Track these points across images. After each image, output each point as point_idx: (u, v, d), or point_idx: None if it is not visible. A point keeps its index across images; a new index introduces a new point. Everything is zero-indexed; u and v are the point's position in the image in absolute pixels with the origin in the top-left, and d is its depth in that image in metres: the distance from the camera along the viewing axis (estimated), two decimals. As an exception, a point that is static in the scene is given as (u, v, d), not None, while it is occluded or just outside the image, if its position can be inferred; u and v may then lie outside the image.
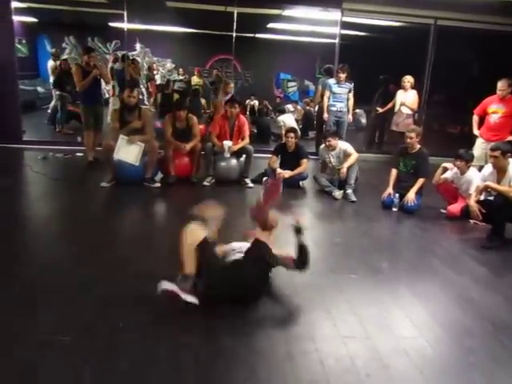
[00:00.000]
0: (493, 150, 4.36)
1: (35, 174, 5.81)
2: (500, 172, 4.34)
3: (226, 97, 7.01)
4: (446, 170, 5.06)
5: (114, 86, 8.51)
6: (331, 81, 7.09)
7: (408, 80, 7.26)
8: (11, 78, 7.34)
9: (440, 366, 2.38)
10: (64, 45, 12.37)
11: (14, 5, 7.20)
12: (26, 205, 4.83)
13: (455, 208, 4.91)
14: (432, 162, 5.26)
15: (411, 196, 4.98)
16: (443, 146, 9.06)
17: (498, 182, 4.28)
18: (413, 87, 7.33)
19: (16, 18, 7.45)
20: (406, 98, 7.29)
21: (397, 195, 5.09)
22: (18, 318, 2.54)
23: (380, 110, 8.07)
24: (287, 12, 8.73)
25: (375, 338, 2.56)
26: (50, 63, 9.78)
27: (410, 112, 7.34)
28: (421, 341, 2.57)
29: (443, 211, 5.07)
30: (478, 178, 4.68)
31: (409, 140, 5.11)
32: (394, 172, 5.28)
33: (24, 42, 11.35)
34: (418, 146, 5.17)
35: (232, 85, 7.60)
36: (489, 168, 4.53)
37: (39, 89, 11.09)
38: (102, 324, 2.53)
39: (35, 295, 2.83)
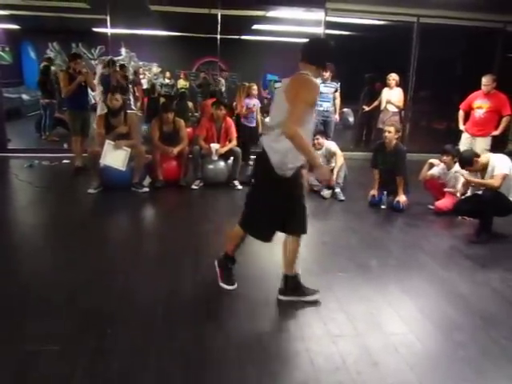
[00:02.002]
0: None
1: (21, 182, 5.75)
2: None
3: (250, 100, 6.86)
4: (432, 166, 5.09)
5: (101, 92, 8.46)
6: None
7: (393, 78, 7.30)
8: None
9: (430, 362, 2.39)
10: (48, 51, 12.26)
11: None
12: (11, 213, 4.77)
13: (443, 203, 4.94)
14: (418, 159, 5.31)
15: (403, 199, 4.99)
16: (430, 141, 9.16)
17: (482, 177, 4.31)
18: (398, 85, 7.37)
19: (-2, 26, 7.39)
20: (392, 96, 7.33)
21: (385, 193, 5.12)
22: (5, 328, 2.51)
23: (366, 108, 8.12)
24: (271, 13, 8.73)
25: (365, 336, 2.57)
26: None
27: (395, 110, 7.38)
28: (410, 337, 2.58)
29: (431, 207, 5.11)
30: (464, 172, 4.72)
31: (387, 134, 5.05)
32: (375, 173, 5.27)
33: (7, 49, 11.24)
34: (395, 142, 5.14)
35: (255, 87, 7.10)
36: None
37: (24, 96, 10.98)
38: (90, 332, 2.50)
39: (21, 305, 2.79)
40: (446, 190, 5.01)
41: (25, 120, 10.09)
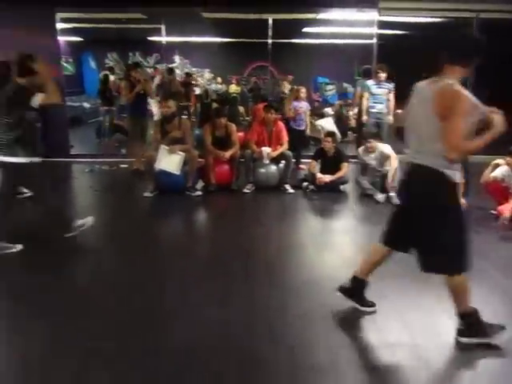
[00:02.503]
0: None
1: (81, 185, 6.04)
2: None
3: (298, 103, 6.88)
4: (497, 166, 4.82)
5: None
6: (370, 82, 6.96)
7: None
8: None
9: (490, 374, 2.26)
10: (107, 61, 12.83)
11: (60, 26, 7.56)
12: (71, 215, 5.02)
13: (506, 208, 4.67)
14: (480, 161, 5.04)
15: (463, 202, 4.74)
16: (493, 142, 8.68)
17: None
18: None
19: (62, 38, 7.82)
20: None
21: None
22: (68, 326, 2.64)
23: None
24: (322, 15, 8.66)
25: (423, 346, 2.46)
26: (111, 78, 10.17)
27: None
28: (472, 349, 2.45)
29: (493, 212, 4.84)
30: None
31: None
32: None
33: (70, 60, 11.87)
34: None
35: (304, 90, 7.12)
36: None
37: (85, 104, 11.55)
38: (144, 331, 2.58)
39: (79, 305, 2.92)
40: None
41: (86, 127, 10.60)
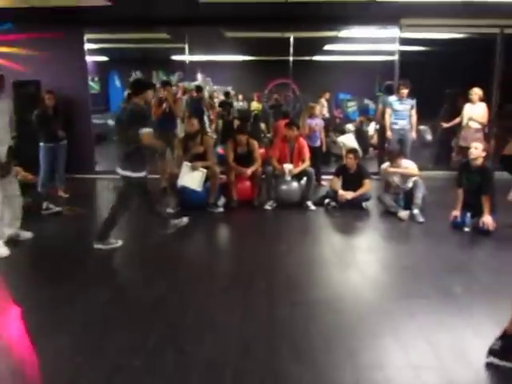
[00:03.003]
0: None
1: (105, 202, 6.13)
2: None
3: (312, 120, 6.89)
4: None
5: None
6: (392, 98, 6.94)
7: (476, 92, 6.90)
8: (85, 114, 7.90)
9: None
10: (131, 79, 13.13)
11: (87, 46, 7.80)
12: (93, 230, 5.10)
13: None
14: (507, 178, 4.95)
15: (489, 220, 4.64)
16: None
17: None
18: (481, 100, 6.97)
19: (89, 58, 8.06)
20: (474, 112, 6.94)
21: (468, 214, 4.81)
22: (92, 341, 2.66)
23: (445, 125, 7.76)
24: (344, 33, 8.71)
25: (450, 368, 2.39)
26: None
27: (478, 126, 6.97)
28: (501, 370, 2.37)
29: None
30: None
31: (473, 151, 4.78)
32: (459, 192, 4.96)
33: (96, 79, 12.19)
34: (481, 160, 4.83)
35: (318, 107, 7.18)
36: None
37: (109, 121, 11.81)
38: (169, 346, 2.58)
39: (103, 319, 2.95)
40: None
41: (110, 143, 10.82)
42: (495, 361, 2.38)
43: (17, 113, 4.68)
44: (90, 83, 9.38)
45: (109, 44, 10.68)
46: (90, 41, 7.94)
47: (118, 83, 13.28)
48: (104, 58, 12.33)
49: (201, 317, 2.96)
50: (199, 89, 9.59)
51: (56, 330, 2.79)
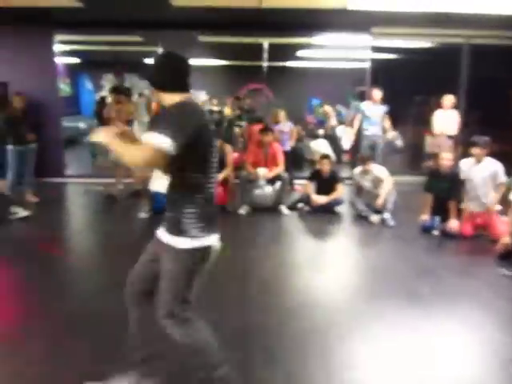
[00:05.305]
0: None
1: (75, 206, 6.02)
2: None
3: (277, 126, 6.94)
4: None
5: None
6: (364, 104, 7.06)
7: (449, 99, 7.00)
8: (55, 117, 7.73)
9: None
10: (102, 82, 12.93)
11: (58, 48, 7.65)
12: (67, 236, 4.99)
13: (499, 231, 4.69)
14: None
15: (455, 224, 4.79)
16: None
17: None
18: (453, 107, 7.09)
19: (60, 60, 7.90)
20: (446, 119, 7.09)
21: (437, 218, 4.94)
22: (61, 349, 2.60)
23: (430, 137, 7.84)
24: (317, 40, 8.83)
25: (418, 367, 2.45)
26: None
27: (451, 133, 7.11)
28: (466, 370, 2.44)
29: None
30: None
31: (444, 159, 4.94)
32: (428, 197, 5.10)
33: (67, 81, 11.96)
34: (450, 167, 4.98)
35: (282, 113, 7.22)
36: None
37: (80, 124, 11.59)
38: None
39: (73, 327, 2.88)
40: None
41: (81, 147, 10.61)
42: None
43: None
44: (61, 85, 9.20)
45: (81, 46, 10.50)
46: (61, 42, 7.79)
47: (89, 86, 13.07)
48: (76, 60, 12.11)
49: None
50: None
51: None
